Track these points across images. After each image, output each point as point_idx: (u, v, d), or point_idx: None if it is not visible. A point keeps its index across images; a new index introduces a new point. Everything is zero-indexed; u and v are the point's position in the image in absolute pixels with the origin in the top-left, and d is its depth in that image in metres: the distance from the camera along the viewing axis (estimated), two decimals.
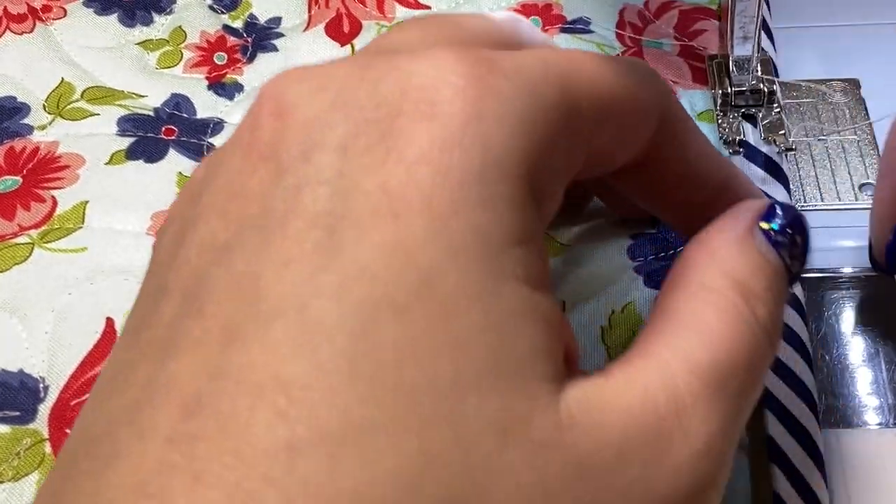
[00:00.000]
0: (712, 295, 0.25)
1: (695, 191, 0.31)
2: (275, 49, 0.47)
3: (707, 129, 0.42)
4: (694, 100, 0.44)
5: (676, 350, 0.24)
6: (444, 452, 0.20)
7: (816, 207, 0.43)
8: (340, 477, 0.19)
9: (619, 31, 0.47)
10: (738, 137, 0.41)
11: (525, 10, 0.47)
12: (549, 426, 0.21)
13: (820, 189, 0.43)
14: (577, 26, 0.47)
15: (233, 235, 0.22)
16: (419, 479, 0.20)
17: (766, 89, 0.42)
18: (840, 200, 0.43)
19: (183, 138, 0.42)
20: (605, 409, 0.22)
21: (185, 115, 0.44)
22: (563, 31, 0.47)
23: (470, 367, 0.20)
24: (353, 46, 0.47)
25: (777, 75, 0.44)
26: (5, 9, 0.47)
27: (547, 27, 0.47)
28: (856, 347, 0.39)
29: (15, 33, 0.46)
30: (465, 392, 0.20)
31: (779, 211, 0.28)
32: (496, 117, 0.22)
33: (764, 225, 0.28)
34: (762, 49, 0.43)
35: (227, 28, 0.48)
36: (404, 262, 0.21)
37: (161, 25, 0.48)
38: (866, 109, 0.46)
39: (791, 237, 0.28)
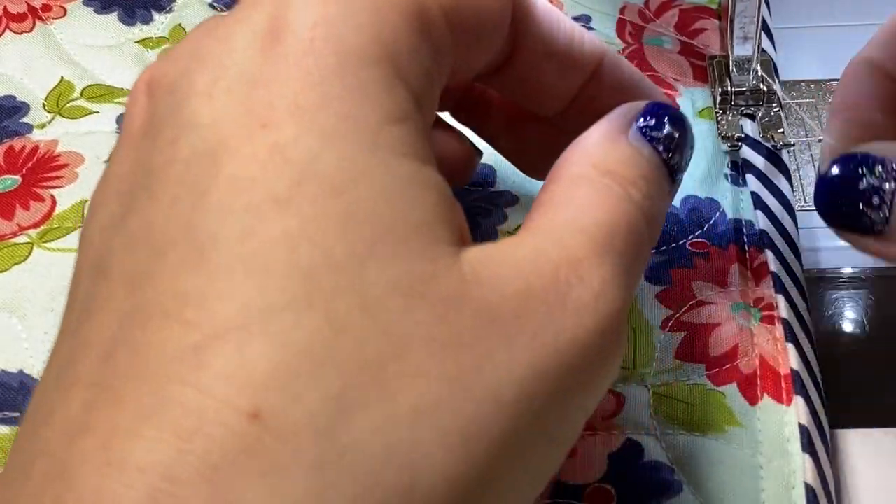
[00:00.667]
0: (584, 180, 0.26)
1: (571, 72, 0.31)
2: None
3: (709, 127, 0.42)
4: (695, 97, 0.44)
5: (560, 220, 0.25)
6: (351, 320, 0.21)
7: None
8: (251, 362, 0.20)
9: (620, 29, 0.46)
10: (737, 134, 0.41)
11: None
12: (453, 282, 0.22)
13: None
14: (579, 24, 0.46)
15: (127, 205, 0.23)
16: (331, 349, 0.20)
17: (765, 89, 0.42)
18: None
19: None
20: (504, 264, 0.23)
21: None
22: None
23: (364, 237, 0.21)
24: None
25: (777, 75, 0.44)
26: (5, 8, 0.47)
27: None
28: (856, 347, 0.39)
29: (15, 32, 0.46)
30: (363, 261, 0.21)
31: (655, 108, 0.29)
32: (343, 14, 0.23)
33: (641, 121, 0.28)
34: (762, 49, 0.43)
35: None
36: (280, 162, 0.22)
37: (161, 24, 0.48)
38: None
39: (668, 131, 0.28)
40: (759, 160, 0.41)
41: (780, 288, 0.37)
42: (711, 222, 0.39)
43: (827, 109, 0.46)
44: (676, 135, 0.29)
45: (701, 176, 0.41)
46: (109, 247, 0.23)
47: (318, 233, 0.21)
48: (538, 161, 0.35)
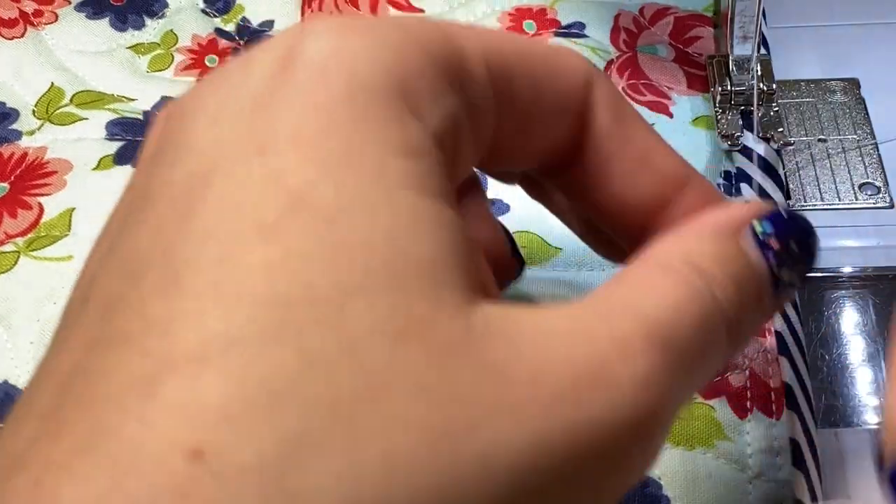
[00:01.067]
0: (665, 269, 0.23)
1: (645, 183, 0.28)
2: None
3: (703, 136, 0.42)
4: (689, 106, 0.43)
5: (615, 298, 0.22)
6: (324, 356, 0.19)
7: (816, 207, 0.43)
8: (202, 396, 0.18)
9: (614, 37, 0.46)
10: (736, 133, 0.41)
11: (519, 14, 0.47)
12: (458, 331, 0.20)
13: (820, 189, 0.43)
14: (572, 31, 0.46)
15: (121, 229, 0.22)
16: (295, 385, 0.19)
17: (764, 88, 0.42)
18: (840, 200, 0.43)
19: None
20: (528, 324, 0.21)
21: None
22: (558, 35, 0.46)
23: (354, 269, 0.20)
24: None
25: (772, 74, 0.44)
26: None
27: (541, 31, 0.46)
28: (856, 347, 0.39)
29: (5, 38, 0.46)
30: (349, 295, 0.19)
31: (782, 214, 0.26)
32: (360, 47, 0.23)
33: (759, 226, 0.26)
34: (761, 50, 0.43)
35: (219, 31, 0.48)
36: (273, 189, 0.20)
37: (153, 29, 0.48)
38: (866, 109, 0.46)
39: (786, 244, 0.26)
40: (754, 170, 0.41)
41: None
42: None
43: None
44: (798, 250, 0.26)
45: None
46: (97, 272, 0.22)
47: (301, 263, 0.20)
48: (614, 247, 0.32)
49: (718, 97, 0.42)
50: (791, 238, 0.26)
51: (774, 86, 0.42)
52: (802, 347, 0.36)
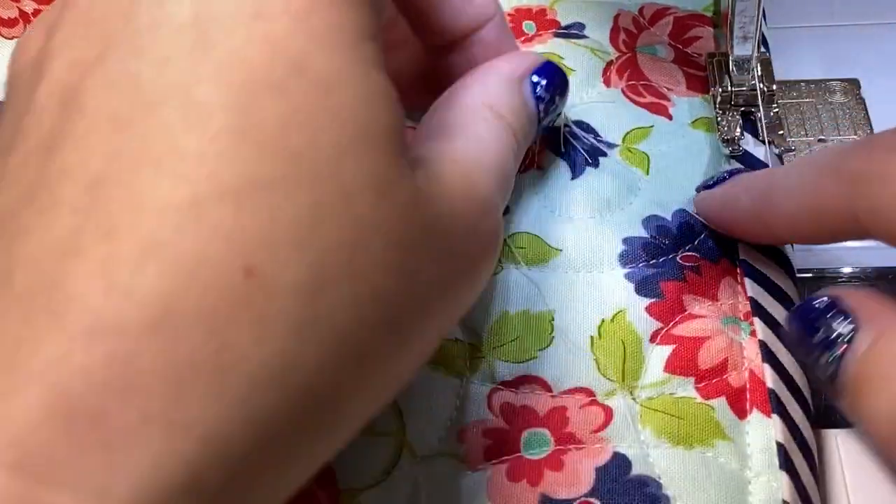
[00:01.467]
0: (481, 117, 0.32)
1: (465, 14, 0.35)
2: None
3: (702, 137, 0.42)
4: (688, 107, 0.43)
5: (471, 157, 0.30)
6: (333, 205, 0.23)
7: None
8: (246, 224, 0.22)
9: (614, 38, 0.46)
10: (736, 136, 0.41)
11: (519, 15, 0.47)
12: (409, 191, 0.25)
13: None
14: (572, 31, 0.46)
15: (102, 50, 0.24)
16: (315, 228, 0.23)
17: (765, 89, 0.42)
18: None
19: None
20: (444, 185, 0.28)
21: None
22: (557, 35, 0.46)
23: (346, 134, 0.24)
24: None
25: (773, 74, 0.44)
26: None
27: (541, 31, 0.46)
28: None
29: (5, 38, 0.46)
30: (344, 155, 0.24)
31: (551, 69, 0.36)
32: None
33: (535, 78, 0.35)
34: (761, 49, 0.43)
35: None
36: (275, 50, 0.23)
37: None
38: (866, 109, 0.46)
39: (552, 95, 0.36)
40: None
41: (755, 310, 0.37)
42: (703, 236, 0.39)
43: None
44: (559, 100, 0.36)
45: (694, 189, 0.40)
46: (83, 84, 0.24)
47: (307, 122, 0.23)
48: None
49: (719, 98, 0.42)
50: (555, 90, 0.36)
51: (775, 86, 0.42)
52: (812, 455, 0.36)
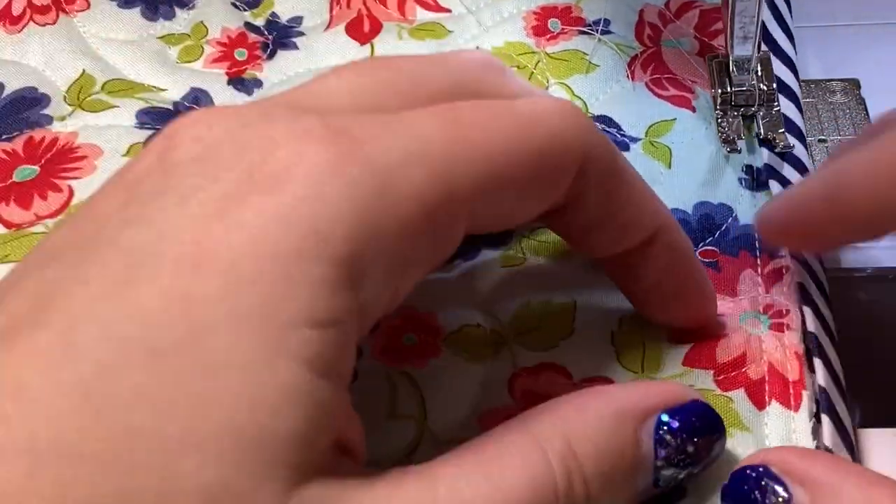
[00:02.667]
0: (533, 450, 0.26)
1: (621, 240, 0.32)
2: (295, 47, 0.47)
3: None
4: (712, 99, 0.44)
5: (454, 489, 0.24)
6: (143, 497, 0.20)
7: None
8: (29, 490, 0.20)
9: (639, 32, 0.47)
10: (737, 137, 0.41)
11: (544, 13, 0.48)
12: None
13: None
14: (597, 27, 0.47)
15: (64, 246, 0.24)
16: None
17: (764, 88, 0.42)
18: None
19: None
20: None
21: None
22: (582, 32, 0.47)
23: (203, 428, 0.21)
24: (372, 46, 0.47)
25: (797, 74, 0.44)
26: (30, 0, 0.47)
27: (566, 28, 0.47)
28: (855, 348, 0.39)
29: (38, 24, 0.47)
30: (186, 451, 0.21)
31: (692, 409, 0.29)
32: (334, 201, 0.23)
33: (665, 417, 0.28)
34: (763, 49, 0.43)
35: (248, 25, 0.48)
36: (180, 313, 0.21)
37: (183, 20, 0.48)
38: (866, 109, 0.46)
39: (684, 443, 0.28)
40: (782, 164, 0.41)
41: (806, 300, 0.36)
42: (723, 229, 0.39)
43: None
44: (689, 448, 0.29)
45: (715, 181, 0.41)
46: (26, 275, 0.24)
47: (164, 404, 0.21)
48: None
49: (719, 99, 0.42)
50: (689, 434, 0.29)
51: (775, 86, 0.42)
52: (836, 343, 0.36)
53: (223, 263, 0.22)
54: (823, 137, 0.44)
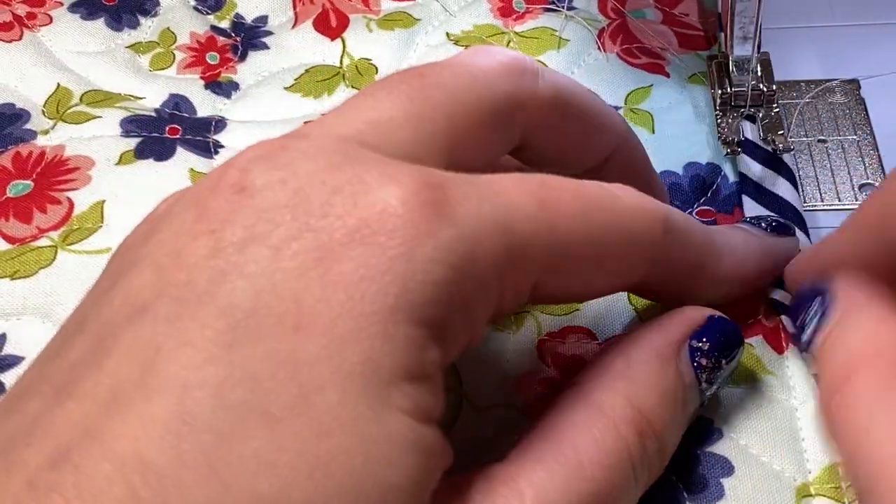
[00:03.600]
0: (605, 425, 0.27)
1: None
2: (265, 47, 0.47)
3: (700, 92, 0.44)
4: (683, 63, 0.45)
5: (539, 488, 0.25)
6: None
7: (816, 208, 0.43)
8: None
9: (602, 6, 0.48)
10: (737, 138, 0.41)
11: None
12: None
13: (820, 189, 0.43)
14: (560, 4, 0.47)
15: (154, 297, 0.23)
16: None
17: (764, 89, 0.42)
18: (840, 201, 0.44)
19: (188, 136, 0.42)
20: None
21: (185, 115, 0.44)
22: (547, 10, 0.48)
23: (327, 488, 0.21)
24: (343, 41, 0.47)
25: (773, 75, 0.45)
26: None
27: (531, 7, 0.48)
28: None
29: (4, 41, 0.46)
30: None
31: (717, 327, 0.31)
32: (426, 263, 0.23)
33: (695, 342, 0.30)
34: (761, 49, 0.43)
35: (214, 28, 0.48)
36: (289, 375, 0.22)
37: (148, 28, 0.48)
38: (866, 110, 0.46)
39: (718, 361, 0.30)
40: (756, 168, 0.41)
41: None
42: (714, 188, 0.40)
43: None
44: (724, 363, 0.31)
45: (701, 141, 0.42)
46: (120, 329, 0.23)
47: (286, 468, 0.21)
48: None
49: (718, 100, 0.42)
50: (720, 352, 0.31)
51: (775, 86, 0.42)
52: None
53: (324, 322, 0.22)
54: (823, 138, 0.45)
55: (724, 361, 0.31)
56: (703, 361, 0.30)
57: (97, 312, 0.24)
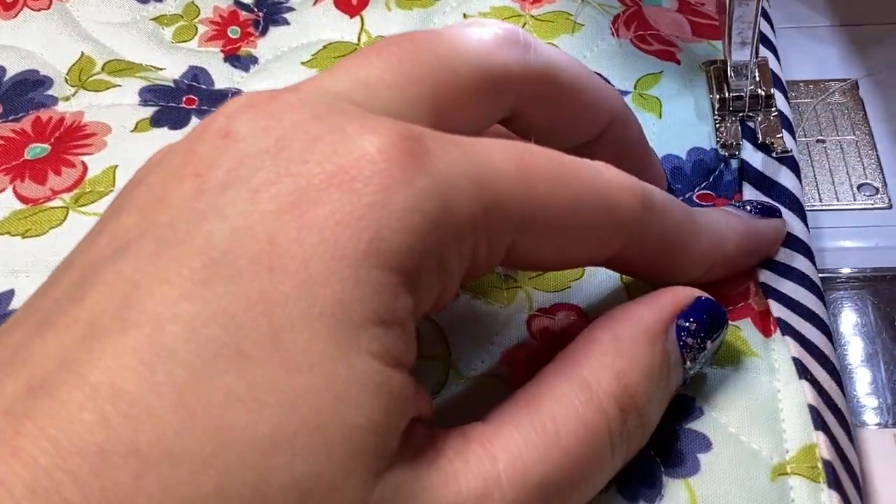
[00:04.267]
0: (588, 398, 0.27)
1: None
2: (286, 23, 0.48)
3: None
4: (695, 51, 0.45)
5: (514, 453, 0.26)
6: (239, 500, 0.21)
7: (815, 208, 0.44)
8: (138, 493, 0.21)
9: None
10: (735, 141, 0.41)
11: None
12: (355, 502, 0.23)
13: (818, 190, 0.44)
14: None
15: (137, 236, 0.24)
16: None
17: (763, 93, 0.42)
18: (838, 201, 0.44)
19: (204, 107, 0.44)
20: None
21: (203, 86, 0.45)
22: None
23: (292, 424, 0.22)
24: (362, 18, 0.48)
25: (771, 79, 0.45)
26: None
27: None
28: (854, 347, 0.40)
29: (32, 10, 0.47)
30: (277, 448, 0.22)
31: (702, 306, 0.31)
32: (400, 210, 0.24)
33: (682, 321, 0.31)
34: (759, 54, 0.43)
35: (238, 3, 0.49)
36: (261, 314, 0.22)
37: (174, 1, 0.49)
38: (865, 110, 0.46)
39: (703, 340, 0.31)
40: (759, 155, 0.41)
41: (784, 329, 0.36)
42: (717, 173, 0.41)
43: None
44: (708, 344, 0.31)
45: (706, 127, 0.42)
46: (103, 266, 0.24)
47: (254, 403, 0.22)
48: None
49: (717, 104, 0.43)
50: (706, 332, 0.31)
51: (773, 90, 0.42)
52: (832, 365, 0.36)
53: (297, 263, 0.23)
54: (822, 138, 0.45)
55: (709, 342, 0.31)
56: (689, 341, 0.30)
57: (85, 252, 0.25)
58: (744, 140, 0.42)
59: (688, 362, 0.31)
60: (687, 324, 0.31)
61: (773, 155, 0.41)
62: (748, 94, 0.42)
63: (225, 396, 0.22)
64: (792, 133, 0.42)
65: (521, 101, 0.31)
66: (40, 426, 0.21)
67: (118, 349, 0.22)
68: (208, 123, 0.26)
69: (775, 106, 0.42)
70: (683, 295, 0.31)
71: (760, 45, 0.44)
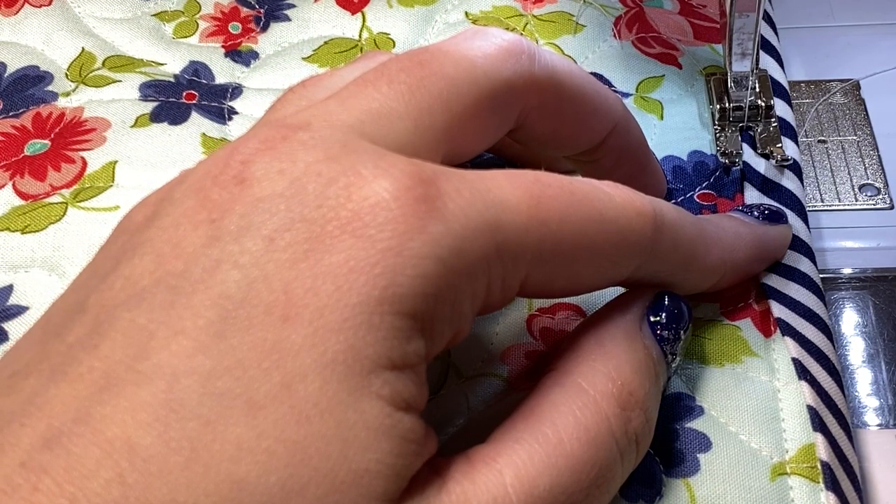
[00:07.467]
0: (585, 402, 0.28)
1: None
2: (287, 19, 0.48)
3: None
4: (697, 55, 0.45)
5: (518, 466, 0.26)
6: None
7: (816, 208, 0.44)
8: None
9: None
10: (735, 150, 0.41)
11: None
12: None
13: (820, 190, 0.44)
14: None
15: (152, 283, 0.24)
16: None
17: (763, 104, 0.42)
18: (840, 201, 0.44)
19: (204, 102, 0.44)
20: None
21: (203, 81, 0.45)
22: None
23: (302, 473, 0.22)
24: (363, 15, 0.48)
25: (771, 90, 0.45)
26: None
27: None
28: (855, 348, 0.40)
29: (33, 6, 0.47)
30: (288, 496, 0.22)
31: (665, 300, 0.31)
32: (415, 257, 0.24)
33: (652, 317, 0.31)
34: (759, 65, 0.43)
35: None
36: (274, 364, 0.22)
37: None
38: (866, 110, 0.46)
39: (677, 332, 0.31)
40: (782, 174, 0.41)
41: (785, 330, 0.36)
42: (718, 174, 0.41)
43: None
44: (682, 334, 0.31)
45: (707, 132, 0.42)
46: (118, 314, 0.24)
47: (265, 455, 0.22)
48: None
49: (717, 115, 0.43)
50: (678, 324, 0.31)
51: (773, 101, 0.43)
52: (832, 366, 0.36)
53: (311, 312, 0.23)
54: (823, 138, 0.45)
55: (682, 332, 0.31)
56: (665, 333, 0.31)
57: (98, 294, 0.25)
58: (745, 144, 0.41)
59: (668, 355, 0.31)
60: (656, 318, 0.31)
61: (774, 164, 0.41)
62: (748, 104, 0.42)
63: (236, 448, 0.22)
64: (794, 138, 0.42)
65: (528, 111, 0.31)
66: (58, 482, 0.21)
67: (133, 403, 0.22)
68: (224, 165, 0.25)
69: (775, 116, 0.42)
70: (646, 293, 0.32)
71: (762, 51, 0.44)
